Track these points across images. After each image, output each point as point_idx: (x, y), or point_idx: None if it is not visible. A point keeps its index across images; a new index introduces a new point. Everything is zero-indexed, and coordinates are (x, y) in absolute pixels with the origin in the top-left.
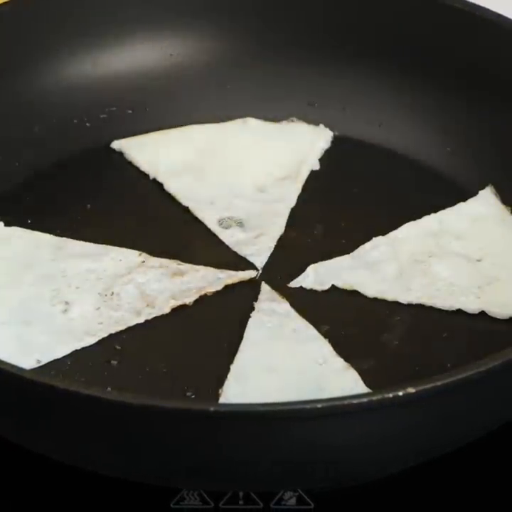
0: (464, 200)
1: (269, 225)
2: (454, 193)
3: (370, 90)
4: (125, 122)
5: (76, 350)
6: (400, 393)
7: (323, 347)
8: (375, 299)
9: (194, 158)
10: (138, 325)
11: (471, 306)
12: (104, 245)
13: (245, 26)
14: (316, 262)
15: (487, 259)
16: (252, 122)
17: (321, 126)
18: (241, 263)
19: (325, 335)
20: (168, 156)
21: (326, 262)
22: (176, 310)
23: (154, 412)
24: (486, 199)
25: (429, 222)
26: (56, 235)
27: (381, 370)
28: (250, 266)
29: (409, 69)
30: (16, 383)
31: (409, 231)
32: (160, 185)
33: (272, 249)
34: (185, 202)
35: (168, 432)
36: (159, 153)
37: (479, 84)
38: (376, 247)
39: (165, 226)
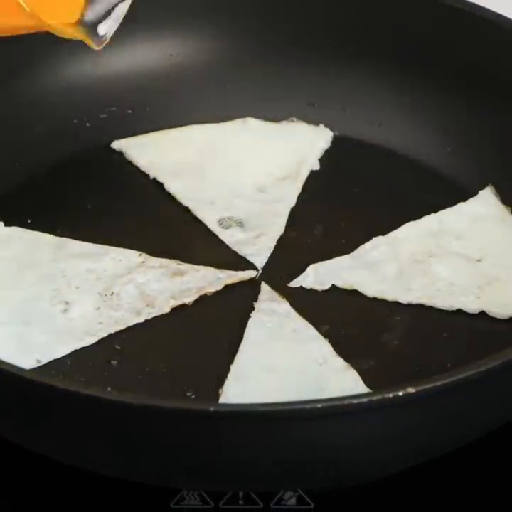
0: (464, 200)
1: (269, 225)
2: (454, 193)
3: (370, 90)
4: (125, 122)
5: (76, 350)
6: (400, 393)
7: (323, 347)
8: (375, 299)
9: (194, 158)
10: (138, 325)
11: (471, 306)
12: (104, 245)
13: (245, 26)
14: (316, 262)
15: (487, 259)
16: (252, 122)
17: (321, 126)
18: (241, 263)
19: (325, 335)
20: (168, 156)
21: (326, 262)
22: (175, 310)
23: (154, 412)
24: (486, 199)
25: (429, 222)
26: (56, 235)
27: (381, 370)
28: (250, 266)
29: (409, 69)
30: (15, 383)
31: (409, 231)
32: (160, 185)
33: (272, 249)
34: (185, 202)
35: (168, 432)
36: (159, 153)
37: (479, 84)
38: (376, 247)
39: (165, 226)
